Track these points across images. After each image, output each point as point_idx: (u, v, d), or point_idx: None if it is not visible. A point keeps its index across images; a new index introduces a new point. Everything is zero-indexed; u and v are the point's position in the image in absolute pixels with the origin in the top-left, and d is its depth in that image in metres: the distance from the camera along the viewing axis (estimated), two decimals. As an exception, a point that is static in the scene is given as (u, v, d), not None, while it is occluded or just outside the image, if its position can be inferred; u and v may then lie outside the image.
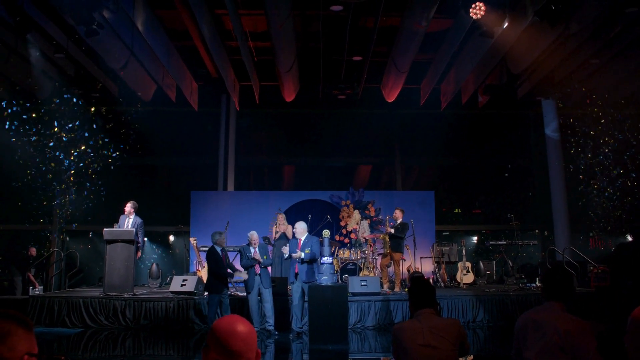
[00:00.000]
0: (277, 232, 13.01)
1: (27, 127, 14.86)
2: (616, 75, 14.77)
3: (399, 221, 12.52)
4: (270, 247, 12.84)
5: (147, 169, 18.75)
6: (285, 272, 11.19)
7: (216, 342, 2.06)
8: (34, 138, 14.90)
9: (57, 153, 15.00)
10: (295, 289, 10.27)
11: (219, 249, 10.47)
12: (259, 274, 10.35)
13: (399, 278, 12.59)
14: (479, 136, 18.85)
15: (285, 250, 10.39)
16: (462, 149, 19.33)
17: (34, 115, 15.05)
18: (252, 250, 10.39)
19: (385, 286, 12.50)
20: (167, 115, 17.07)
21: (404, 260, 13.78)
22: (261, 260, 10.31)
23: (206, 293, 11.59)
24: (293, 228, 10.74)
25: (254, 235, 10.58)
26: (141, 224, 12.47)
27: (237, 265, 11.42)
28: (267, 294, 10.32)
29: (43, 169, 14.91)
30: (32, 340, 1.81)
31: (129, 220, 12.34)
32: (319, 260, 10.18)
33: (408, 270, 14.49)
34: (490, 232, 19.15)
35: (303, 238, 10.33)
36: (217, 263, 10.30)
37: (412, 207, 16.54)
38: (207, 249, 10.78)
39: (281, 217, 13.17)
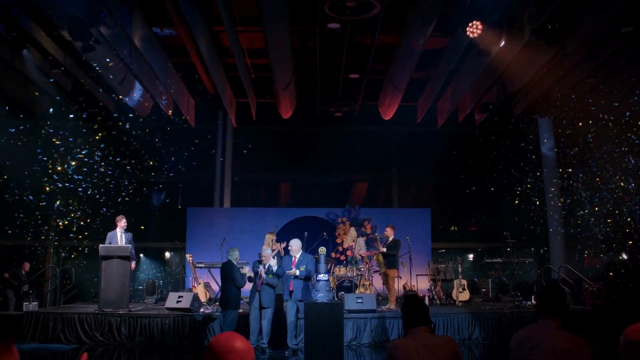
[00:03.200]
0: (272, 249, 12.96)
1: (23, 141, 14.84)
2: (612, 94, 14.81)
3: (390, 239, 12.51)
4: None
5: (143, 185, 18.68)
6: (279, 289, 11.13)
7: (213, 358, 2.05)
8: (34, 153, 14.90)
9: (54, 167, 14.97)
10: (290, 307, 10.26)
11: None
12: (259, 291, 10.26)
13: (394, 295, 12.55)
14: (475, 154, 18.83)
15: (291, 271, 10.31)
16: (459, 166, 19.31)
17: (30, 129, 15.04)
18: (259, 267, 10.33)
19: (393, 305, 12.41)
20: (163, 132, 17.05)
21: (400, 277, 13.77)
22: (258, 275, 10.23)
23: (204, 310, 11.55)
24: (288, 245, 10.71)
25: (263, 252, 10.54)
26: (132, 237, 12.50)
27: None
28: (264, 313, 10.25)
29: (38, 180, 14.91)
30: (15, 353, 1.80)
31: (122, 235, 12.30)
32: (314, 278, 10.15)
33: (404, 288, 14.46)
34: (486, 250, 19.12)
35: (298, 256, 10.33)
36: (238, 274, 10.21)
37: (408, 225, 16.56)
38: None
39: (269, 237, 13.00)
